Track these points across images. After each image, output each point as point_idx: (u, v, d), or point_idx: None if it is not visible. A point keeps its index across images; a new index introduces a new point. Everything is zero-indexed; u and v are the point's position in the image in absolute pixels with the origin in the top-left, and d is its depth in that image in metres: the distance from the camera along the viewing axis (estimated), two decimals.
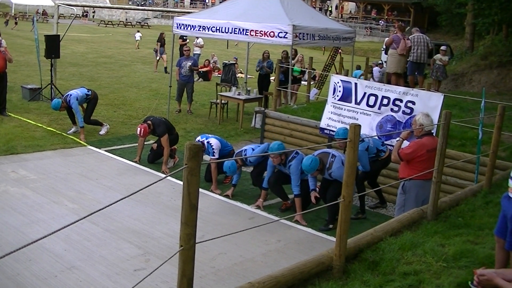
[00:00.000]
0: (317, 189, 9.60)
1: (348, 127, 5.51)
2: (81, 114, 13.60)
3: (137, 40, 40.84)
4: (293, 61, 17.26)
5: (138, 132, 11.72)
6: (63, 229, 3.63)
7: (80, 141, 13.10)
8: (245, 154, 10.33)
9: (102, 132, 14.14)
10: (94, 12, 75.50)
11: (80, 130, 13.53)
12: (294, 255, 7.66)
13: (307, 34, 14.54)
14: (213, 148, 10.71)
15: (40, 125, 13.91)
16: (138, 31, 43.19)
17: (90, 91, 13.94)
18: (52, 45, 17.30)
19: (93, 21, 71.51)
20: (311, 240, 8.56)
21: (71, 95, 13.43)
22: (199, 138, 11.12)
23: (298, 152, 9.71)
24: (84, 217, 3.85)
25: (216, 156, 10.69)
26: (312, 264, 5.39)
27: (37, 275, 6.89)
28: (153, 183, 4.17)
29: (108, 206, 4.14)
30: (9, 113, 15.07)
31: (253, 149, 10.41)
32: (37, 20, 23.31)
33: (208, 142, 10.76)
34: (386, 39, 18.96)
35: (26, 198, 9.57)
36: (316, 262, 5.44)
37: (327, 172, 9.23)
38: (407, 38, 16.00)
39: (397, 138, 8.69)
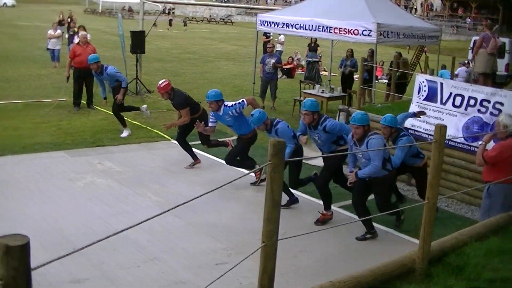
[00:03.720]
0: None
1: (433, 126, 5.41)
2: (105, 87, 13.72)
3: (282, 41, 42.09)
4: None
5: (160, 83, 11.33)
6: (147, 221, 3.71)
7: (164, 135, 13.31)
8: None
9: (124, 134, 13.44)
10: (173, 9, 76.34)
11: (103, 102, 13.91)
12: (374, 256, 7.56)
13: (392, 32, 14.37)
14: (236, 106, 10.23)
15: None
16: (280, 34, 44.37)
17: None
18: (138, 40, 17.72)
19: (174, 17, 72.65)
20: (392, 241, 8.42)
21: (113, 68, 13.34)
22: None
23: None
24: (168, 210, 3.94)
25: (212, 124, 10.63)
26: (394, 265, 5.33)
27: (121, 264, 7.10)
28: (236, 179, 4.22)
29: (192, 200, 4.20)
30: (96, 107, 15.52)
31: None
32: (122, 16, 23.90)
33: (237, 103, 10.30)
34: (474, 38, 18.49)
35: (112, 189, 9.86)
36: (398, 263, 5.37)
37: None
38: (496, 36, 15.56)
39: (480, 142, 8.46)
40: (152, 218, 3.81)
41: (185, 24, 54.84)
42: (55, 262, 2.91)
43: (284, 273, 6.92)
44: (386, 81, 20.50)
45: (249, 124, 10.11)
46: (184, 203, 4.03)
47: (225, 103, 10.26)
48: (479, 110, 10.34)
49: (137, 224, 3.61)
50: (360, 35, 14.12)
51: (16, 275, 2.48)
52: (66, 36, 26.21)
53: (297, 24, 15.43)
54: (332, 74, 21.46)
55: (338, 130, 8.91)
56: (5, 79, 20.54)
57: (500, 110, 9.92)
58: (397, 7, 19.64)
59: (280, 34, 27.08)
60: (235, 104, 10.19)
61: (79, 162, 11.23)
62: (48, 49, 24.47)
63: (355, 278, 4.91)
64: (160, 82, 11.30)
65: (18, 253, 2.46)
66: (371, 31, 13.89)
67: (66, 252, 3.01)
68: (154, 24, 20.69)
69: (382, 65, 24.52)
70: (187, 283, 6.77)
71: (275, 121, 9.37)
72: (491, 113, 10.11)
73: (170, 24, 53.02)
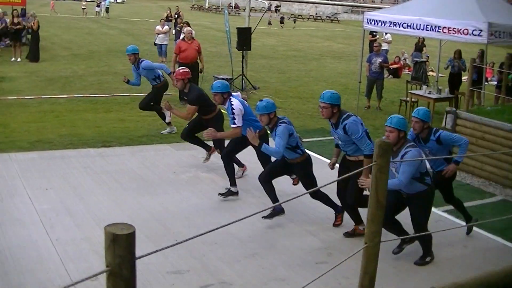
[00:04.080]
0: None
1: None
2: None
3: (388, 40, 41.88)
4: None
5: (180, 68, 10.85)
6: (249, 217, 3.73)
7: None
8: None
9: (165, 131, 13.27)
10: (280, 6, 76.34)
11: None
12: (479, 264, 7.32)
13: (504, 32, 13.84)
14: (233, 110, 9.24)
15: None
16: (387, 33, 43.70)
17: (162, 77, 13.21)
18: (244, 37, 17.97)
19: (280, 15, 72.99)
20: (499, 250, 8.09)
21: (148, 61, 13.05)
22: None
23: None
24: (271, 207, 3.95)
25: (239, 124, 9.25)
26: (500, 275, 5.12)
27: (221, 258, 7.21)
28: (341, 178, 4.17)
29: (294, 198, 4.20)
30: None
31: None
32: (228, 13, 24.27)
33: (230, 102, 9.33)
34: None
35: (215, 183, 10.03)
36: (504, 273, 5.16)
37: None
38: None
39: None
40: (254, 214, 3.84)
41: (294, 22, 55.01)
42: (158, 253, 2.98)
43: (385, 276, 6.79)
44: (496, 83, 19.80)
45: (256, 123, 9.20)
46: (286, 201, 4.04)
47: (231, 99, 9.33)
48: None
49: (239, 220, 3.64)
50: (470, 35, 13.69)
51: (121, 263, 2.55)
52: (173, 31, 26.90)
53: (405, 23, 15.15)
54: (440, 75, 20.95)
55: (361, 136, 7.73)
56: (114, 73, 21.36)
57: None
58: (510, 5, 18.89)
59: (386, 33, 26.72)
60: (232, 107, 9.25)
61: (184, 156, 11.49)
62: (155, 44, 25.19)
63: (458, 285, 4.76)
64: (179, 68, 10.90)
65: (124, 242, 2.54)
66: (481, 30, 13.44)
67: (168, 244, 3.07)
68: (269, 23, 20.96)
69: (493, 66, 23.72)
70: (287, 280, 6.79)
71: (280, 120, 8.34)
72: None
73: (282, 22, 53.23)
